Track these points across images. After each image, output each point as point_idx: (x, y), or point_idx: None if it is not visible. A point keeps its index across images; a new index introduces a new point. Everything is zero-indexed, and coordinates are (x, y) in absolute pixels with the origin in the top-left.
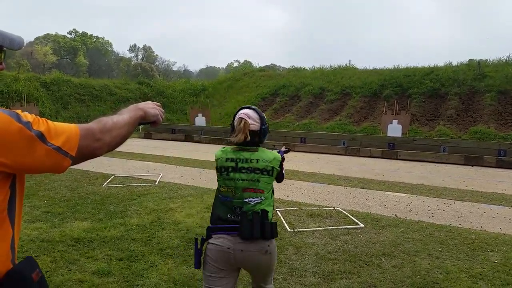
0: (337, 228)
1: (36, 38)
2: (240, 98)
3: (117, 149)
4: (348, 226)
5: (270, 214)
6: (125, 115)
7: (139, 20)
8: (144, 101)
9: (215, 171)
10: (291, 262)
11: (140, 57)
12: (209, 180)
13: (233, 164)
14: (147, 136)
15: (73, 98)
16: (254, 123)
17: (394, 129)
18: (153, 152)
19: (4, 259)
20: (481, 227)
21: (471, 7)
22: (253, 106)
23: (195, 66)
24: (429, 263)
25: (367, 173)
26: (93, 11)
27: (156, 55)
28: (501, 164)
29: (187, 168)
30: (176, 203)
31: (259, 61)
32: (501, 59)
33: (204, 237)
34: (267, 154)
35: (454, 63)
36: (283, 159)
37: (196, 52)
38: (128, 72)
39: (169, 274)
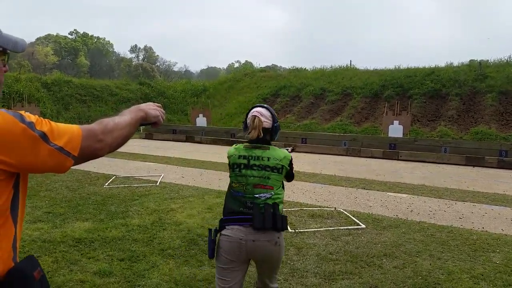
0: (338, 229)
1: (37, 39)
2: (241, 98)
3: (119, 150)
4: (349, 227)
5: (280, 207)
6: (126, 116)
7: (139, 20)
8: (145, 101)
9: (215, 172)
10: (292, 263)
11: (141, 57)
12: (210, 180)
13: (245, 161)
14: (148, 136)
15: (74, 99)
16: (266, 120)
17: (395, 130)
18: (154, 152)
19: (6, 257)
20: (483, 227)
21: (471, 7)
22: (265, 105)
23: (195, 67)
24: (430, 264)
25: (368, 173)
26: (93, 11)
27: (157, 55)
28: (502, 165)
29: (188, 168)
30: (177, 204)
31: (259, 62)
32: (502, 59)
33: (217, 228)
34: (278, 153)
35: (455, 63)
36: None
37: (196, 52)
38: (129, 73)
39: (170, 275)
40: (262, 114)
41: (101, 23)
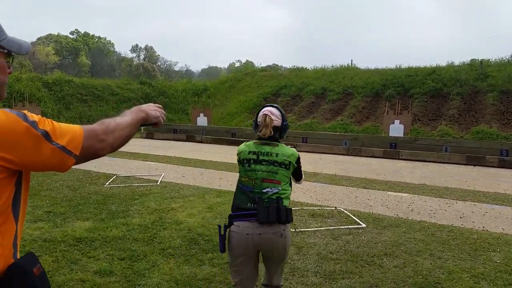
0: (338, 228)
1: (38, 38)
2: (241, 98)
3: (119, 149)
4: (350, 226)
5: (286, 202)
6: (127, 117)
7: (139, 20)
8: (146, 101)
9: (216, 171)
10: (292, 262)
11: (142, 57)
12: (211, 180)
13: (254, 156)
14: (149, 136)
15: (75, 98)
16: (276, 119)
17: (396, 129)
18: (155, 152)
19: (7, 254)
20: (483, 227)
21: (471, 7)
22: (275, 105)
23: (196, 66)
24: (431, 263)
25: (369, 173)
26: (93, 11)
27: (158, 55)
28: (503, 164)
29: (188, 168)
30: (178, 203)
31: (260, 61)
32: (503, 58)
33: (227, 224)
34: (286, 150)
35: (456, 63)
36: None
37: (196, 52)
38: (130, 72)
39: (170, 274)
40: (272, 113)
41: (101, 23)
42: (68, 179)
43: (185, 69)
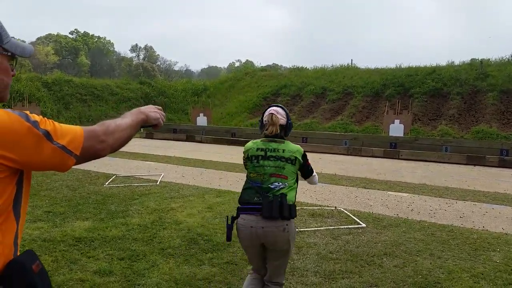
0: (338, 228)
1: (38, 38)
2: (241, 98)
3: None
4: (350, 226)
5: (291, 198)
6: (127, 119)
7: (139, 20)
8: (146, 100)
9: (215, 171)
10: (292, 262)
11: (141, 57)
12: (210, 180)
13: (262, 153)
14: (149, 136)
15: (75, 98)
16: (282, 118)
17: (396, 129)
18: (154, 152)
19: (7, 252)
20: (483, 226)
21: (471, 7)
22: (279, 105)
23: (196, 66)
24: (430, 263)
25: (369, 173)
26: (93, 11)
27: (158, 55)
28: (503, 164)
29: (188, 168)
30: (178, 203)
31: (260, 61)
32: (504, 58)
33: (234, 216)
34: (291, 146)
35: (456, 62)
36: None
37: (196, 52)
38: (130, 72)
39: (170, 274)
40: (278, 112)
41: (101, 23)
42: (68, 179)
43: (184, 68)
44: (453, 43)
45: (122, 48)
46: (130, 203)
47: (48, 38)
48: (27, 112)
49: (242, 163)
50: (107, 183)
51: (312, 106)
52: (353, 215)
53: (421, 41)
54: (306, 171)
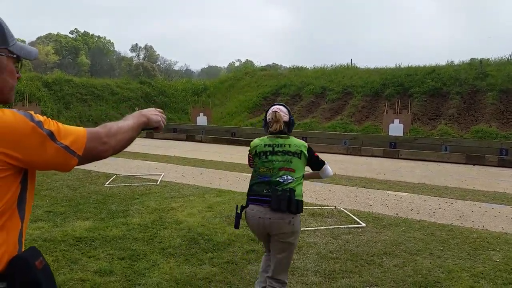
0: (338, 228)
1: (38, 38)
2: (241, 97)
3: None
4: (350, 225)
5: (299, 192)
6: (129, 121)
7: (139, 20)
8: (146, 100)
9: (216, 170)
10: (292, 261)
11: (141, 56)
12: (211, 179)
13: (270, 149)
14: (149, 135)
15: (75, 98)
16: (285, 115)
17: (396, 129)
18: (154, 151)
19: (11, 250)
20: (483, 226)
21: (471, 7)
22: (281, 103)
23: (196, 66)
24: (430, 262)
25: (369, 172)
26: (93, 11)
27: (158, 54)
28: (502, 163)
29: (188, 167)
30: (178, 203)
31: (260, 61)
32: (503, 58)
33: (244, 205)
34: (296, 141)
35: (456, 62)
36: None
37: (196, 52)
38: (130, 72)
39: (170, 273)
40: (281, 110)
41: (101, 23)
42: (68, 178)
43: (184, 68)
44: (453, 43)
45: (122, 48)
46: (131, 202)
47: (48, 37)
48: (32, 112)
49: (243, 162)
50: (107, 182)
51: (311, 105)
52: (353, 215)
53: (421, 41)
54: (316, 163)
